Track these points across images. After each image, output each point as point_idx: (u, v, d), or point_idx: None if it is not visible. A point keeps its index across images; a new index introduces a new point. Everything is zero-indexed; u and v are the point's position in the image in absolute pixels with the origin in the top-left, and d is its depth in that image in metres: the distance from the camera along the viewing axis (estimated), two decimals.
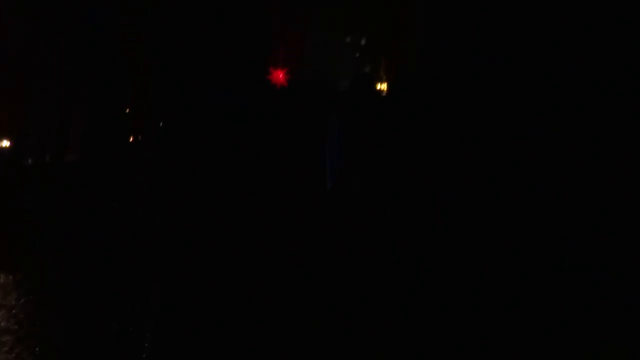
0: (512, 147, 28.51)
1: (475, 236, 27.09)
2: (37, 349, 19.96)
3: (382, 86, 36.66)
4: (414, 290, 23.88)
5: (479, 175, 29.20)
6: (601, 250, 23.52)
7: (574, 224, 25.28)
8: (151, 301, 24.88)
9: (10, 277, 28.48)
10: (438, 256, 26.55)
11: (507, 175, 28.17)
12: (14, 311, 23.83)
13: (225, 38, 39.39)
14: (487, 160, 29.18)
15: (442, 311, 21.73)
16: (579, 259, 23.59)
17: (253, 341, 20.43)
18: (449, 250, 26.79)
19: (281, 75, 37.21)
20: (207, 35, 40.09)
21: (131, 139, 44.63)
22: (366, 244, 28.90)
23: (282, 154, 36.27)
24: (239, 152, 37.65)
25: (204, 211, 35.61)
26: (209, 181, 38.02)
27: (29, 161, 45.53)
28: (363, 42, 37.35)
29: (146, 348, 20.45)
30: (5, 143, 45.79)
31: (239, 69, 39.15)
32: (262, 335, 20.72)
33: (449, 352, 19.20)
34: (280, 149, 36.52)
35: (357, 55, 37.70)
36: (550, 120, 27.63)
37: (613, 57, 26.49)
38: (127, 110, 44.84)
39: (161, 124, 45.14)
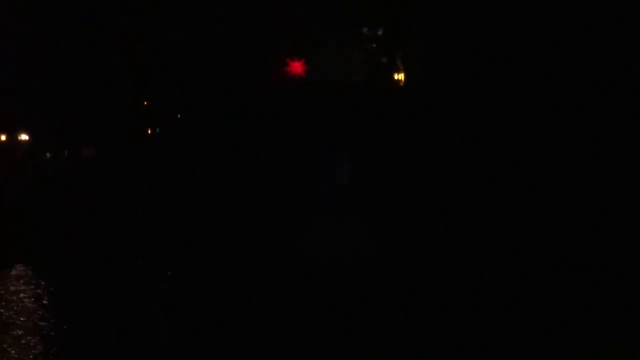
0: (512, 147, 28.45)
1: (475, 236, 27.00)
2: (38, 346, 19.91)
3: (400, 76, 36.55)
4: (414, 290, 23.79)
5: (479, 175, 29.15)
6: (601, 250, 23.43)
7: (574, 224, 25.18)
8: (151, 300, 24.79)
9: (11, 277, 28.38)
10: (438, 256, 26.45)
11: (507, 175, 28.12)
12: (17, 307, 23.75)
13: (225, 38, 39.32)
14: (487, 160, 29.13)
15: (442, 311, 21.66)
16: (579, 259, 23.50)
17: (252, 340, 20.36)
18: (449, 250, 26.68)
19: (299, 66, 37.05)
20: (207, 36, 40.03)
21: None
22: (366, 244, 28.76)
23: (282, 154, 36.19)
24: (239, 152, 37.59)
25: (204, 211, 35.52)
26: (209, 181, 37.95)
27: (47, 155, 46.11)
28: (380, 32, 37.23)
29: (145, 347, 20.39)
30: (24, 137, 46.42)
31: (239, 69, 39.07)
32: (261, 335, 20.65)
33: (449, 352, 19.13)
34: (280, 149, 36.43)
35: (374, 45, 37.51)
36: (550, 120, 27.56)
37: (613, 57, 26.40)
38: (127, 111, 44.75)
39: (162, 124, 45.03)
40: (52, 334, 20.98)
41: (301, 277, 26.18)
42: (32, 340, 20.39)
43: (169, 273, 28.17)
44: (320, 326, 21.08)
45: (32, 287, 26.49)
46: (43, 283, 27.18)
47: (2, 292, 25.83)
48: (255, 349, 19.75)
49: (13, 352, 19.41)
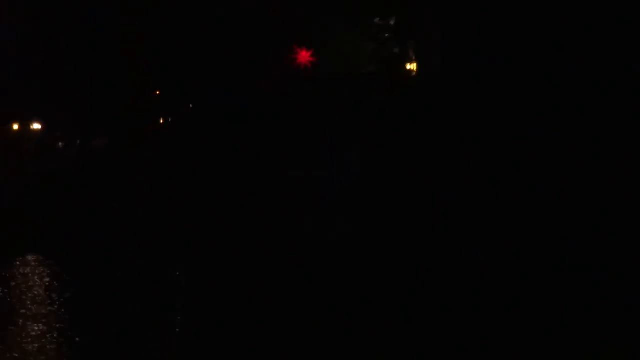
0: (512, 147, 28.40)
1: (475, 236, 26.98)
2: (38, 347, 19.92)
3: (412, 66, 36.41)
4: (414, 290, 23.78)
5: (479, 175, 29.12)
6: (601, 250, 23.40)
7: (574, 224, 25.15)
8: (151, 300, 24.80)
9: (10, 276, 28.38)
10: (438, 256, 26.44)
11: (507, 175, 28.09)
12: (16, 310, 23.75)
13: (225, 38, 39.36)
14: (487, 160, 29.09)
15: (442, 311, 21.65)
16: (579, 259, 23.48)
17: (252, 340, 20.36)
18: (449, 250, 26.67)
19: (306, 56, 36.94)
20: (207, 35, 40.06)
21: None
22: (366, 244, 28.74)
23: (282, 154, 36.15)
24: (239, 151, 37.56)
25: (204, 211, 35.50)
26: (209, 181, 37.93)
27: (60, 144, 46.36)
28: (392, 22, 37.07)
29: (145, 347, 20.39)
30: (37, 126, 46.60)
31: (240, 68, 39.08)
32: (261, 335, 20.65)
33: (449, 352, 19.13)
34: (280, 148, 36.39)
35: (386, 35, 37.37)
36: (550, 120, 27.52)
37: (613, 57, 26.36)
38: (127, 111, 44.82)
39: (162, 124, 45.03)
40: (51, 336, 20.98)
41: (301, 277, 26.20)
42: (32, 342, 20.38)
43: (169, 273, 28.20)
44: (320, 326, 21.08)
45: (31, 287, 26.49)
46: (42, 284, 27.17)
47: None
48: (256, 349, 19.75)
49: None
